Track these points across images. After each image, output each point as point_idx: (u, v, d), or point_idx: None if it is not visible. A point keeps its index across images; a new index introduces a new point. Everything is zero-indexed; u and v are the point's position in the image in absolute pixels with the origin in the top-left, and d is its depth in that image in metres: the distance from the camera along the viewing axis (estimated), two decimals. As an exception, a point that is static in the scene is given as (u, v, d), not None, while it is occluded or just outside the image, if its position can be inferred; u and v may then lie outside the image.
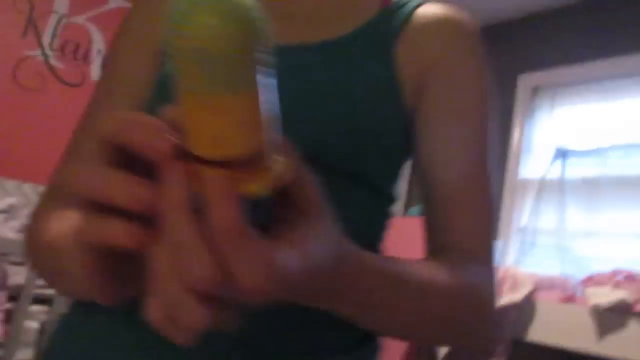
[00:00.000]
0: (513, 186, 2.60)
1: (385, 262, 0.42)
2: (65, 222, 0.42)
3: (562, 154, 2.34)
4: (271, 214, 0.31)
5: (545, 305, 1.52)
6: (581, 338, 1.40)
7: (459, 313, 0.46)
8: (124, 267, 0.30)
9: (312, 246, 0.30)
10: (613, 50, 2.42)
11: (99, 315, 0.46)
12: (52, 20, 2.62)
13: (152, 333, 0.29)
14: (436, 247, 0.53)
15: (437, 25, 0.55)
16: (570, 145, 2.36)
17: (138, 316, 0.32)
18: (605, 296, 1.34)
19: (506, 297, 1.53)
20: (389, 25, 0.54)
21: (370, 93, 0.50)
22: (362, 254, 0.39)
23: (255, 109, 0.25)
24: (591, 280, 1.47)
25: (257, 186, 0.25)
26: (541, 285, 1.59)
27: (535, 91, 2.71)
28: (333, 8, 0.56)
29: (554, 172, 2.35)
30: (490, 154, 0.54)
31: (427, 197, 0.54)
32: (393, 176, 0.54)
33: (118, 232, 0.26)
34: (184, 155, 0.25)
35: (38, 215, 0.50)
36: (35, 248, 0.49)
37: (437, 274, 0.45)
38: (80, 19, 2.71)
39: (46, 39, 2.61)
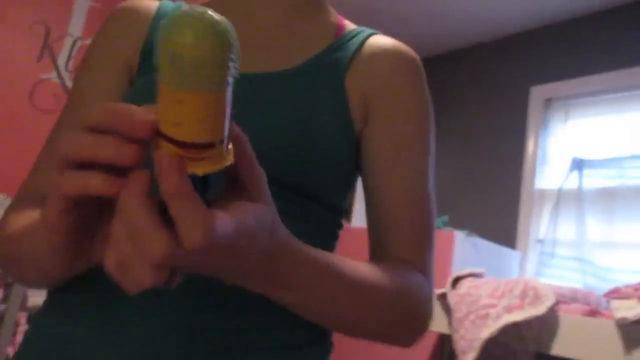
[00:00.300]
0: (530, 198, 2.59)
1: (320, 254, 0.46)
2: (29, 217, 0.48)
3: (578, 164, 2.33)
4: (222, 195, 0.37)
5: (569, 319, 1.50)
6: (607, 352, 1.38)
7: (386, 312, 0.51)
8: (79, 237, 0.37)
9: (248, 216, 0.35)
10: (625, 62, 2.42)
11: (64, 314, 0.50)
12: (67, 42, 2.66)
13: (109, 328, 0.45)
14: (378, 258, 0.58)
15: (383, 55, 0.61)
16: (586, 155, 2.35)
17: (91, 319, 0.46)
18: (632, 309, 1.32)
19: (528, 310, 1.52)
20: (341, 54, 0.60)
21: (322, 117, 0.55)
22: (299, 244, 0.43)
23: (217, 107, 0.30)
24: (616, 293, 1.45)
25: (204, 168, 0.31)
26: (563, 298, 1.58)
27: (548, 103, 2.71)
28: (292, 39, 0.61)
29: (571, 182, 2.34)
30: (428, 175, 0.60)
31: (370, 213, 0.60)
32: (343, 192, 0.59)
33: (99, 182, 0.32)
34: (156, 132, 0.32)
35: (5, 216, 0.54)
36: (1, 240, 0.52)
37: (371, 273, 0.50)
38: (94, 41, 2.75)
39: (61, 62, 2.64)
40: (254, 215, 0.36)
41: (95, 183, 0.33)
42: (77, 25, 2.70)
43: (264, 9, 0.62)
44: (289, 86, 0.56)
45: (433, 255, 0.59)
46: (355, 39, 0.62)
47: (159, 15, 0.63)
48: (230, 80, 0.30)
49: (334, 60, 0.60)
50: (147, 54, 0.61)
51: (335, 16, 0.66)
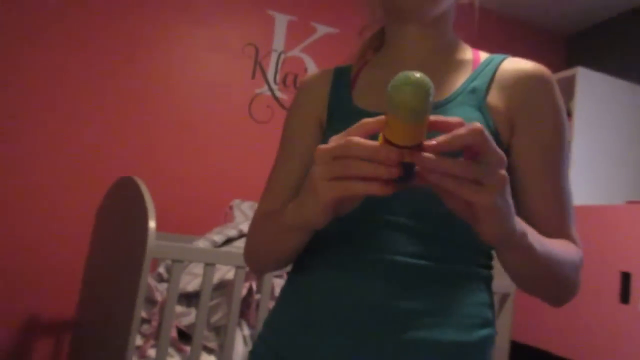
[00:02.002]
0: None
1: (530, 228, 0.62)
2: (269, 223, 0.74)
3: None
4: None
5: None
6: None
7: (568, 273, 0.69)
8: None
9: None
10: None
11: (309, 276, 0.74)
12: (273, 57, 2.96)
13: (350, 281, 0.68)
14: None
15: (517, 76, 0.74)
16: None
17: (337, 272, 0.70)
18: None
19: None
20: (481, 82, 0.74)
21: None
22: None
23: (424, 126, 0.49)
24: None
25: (412, 158, 0.49)
26: None
27: None
28: (437, 75, 0.76)
29: None
30: (567, 170, 0.75)
31: (523, 207, 0.74)
32: None
33: (376, 188, 0.50)
34: (388, 142, 0.50)
35: (256, 217, 0.82)
36: (253, 231, 0.80)
37: (559, 245, 0.68)
38: (295, 52, 3.01)
39: (270, 75, 2.95)
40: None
41: (373, 189, 0.50)
42: (279, 40, 2.98)
43: (414, 54, 0.80)
44: (447, 112, 0.70)
45: (576, 230, 0.77)
46: (489, 67, 0.76)
47: (335, 79, 0.84)
48: (428, 112, 0.48)
49: (475, 88, 0.73)
50: (331, 110, 0.81)
51: (470, 50, 0.81)
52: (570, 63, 3.58)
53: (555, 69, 3.46)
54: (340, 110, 0.80)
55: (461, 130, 0.48)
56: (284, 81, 2.97)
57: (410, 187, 0.52)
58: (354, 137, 0.51)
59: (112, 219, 1.87)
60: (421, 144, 0.49)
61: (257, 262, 0.79)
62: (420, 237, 0.68)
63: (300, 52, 3.02)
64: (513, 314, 2.15)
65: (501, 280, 2.10)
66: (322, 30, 3.08)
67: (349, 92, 0.81)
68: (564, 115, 0.75)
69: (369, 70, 0.84)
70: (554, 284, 0.68)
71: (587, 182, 2.77)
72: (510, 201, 0.53)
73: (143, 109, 2.66)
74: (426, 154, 0.48)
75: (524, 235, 0.57)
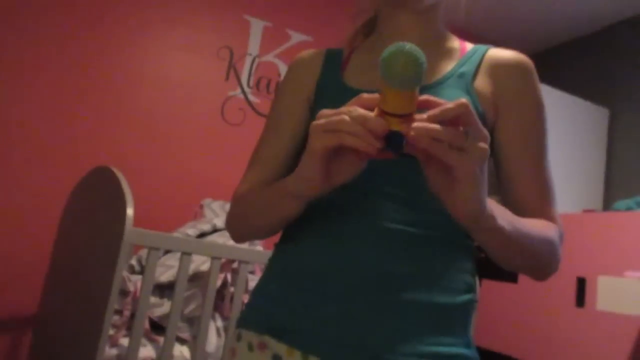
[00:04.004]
0: None
1: (504, 209, 0.66)
2: (259, 190, 0.79)
3: None
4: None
5: None
6: None
7: (544, 251, 0.71)
8: (326, 165, 0.59)
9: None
10: None
11: (295, 245, 0.76)
12: (247, 61, 2.99)
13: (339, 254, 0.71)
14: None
15: (501, 64, 0.80)
16: None
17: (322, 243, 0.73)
18: None
19: None
20: (468, 67, 0.79)
21: None
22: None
23: (415, 96, 0.53)
24: None
25: (400, 128, 0.54)
26: None
27: None
28: (433, 61, 0.81)
29: None
30: (547, 152, 0.80)
31: (505, 186, 0.79)
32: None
33: (369, 147, 0.54)
34: (380, 109, 0.55)
35: (235, 194, 0.84)
36: (238, 201, 0.82)
37: (534, 225, 0.70)
38: (269, 57, 3.05)
39: (244, 79, 2.98)
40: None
41: (365, 144, 0.54)
42: (254, 45, 3.02)
43: (404, 40, 0.83)
44: (437, 94, 0.75)
45: (557, 210, 0.80)
46: (476, 55, 0.81)
47: (327, 59, 0.88)
48: (419, 83, 0.52)
49: (463, 73, 0.78)
50: (320, 88, 0.84)
51: (457, 40, 0.86)
52: (530, 81, 3.76)
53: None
54: (330, 88, 0.83)
55: (449, 104, 0.53)
56: (257, 85, 3.00)
57: (397, 156, 0.56)
58: (352, 106, 0.56)
59: (85, 208, 1.85)
60: (412, 114, 0.54)
61: (242, 228, 0.80)
62: (408, 205, 0.72)
63: (274, 58, 3.07)
64: (476, 316, 2.23)
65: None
66: (296, 37, 3.13)
67: (340, 72, 0.84)
68: (543, 100, 0.80)
69: (359, 53, 0.87)
70: (530, 262, 0.71)
71: (546, 192, 2.90)
72: (486, 178, 0.56)
73: (114, 107, 2.64)
74: (417, 122, 0.53)
75: (493, 217, 0.60)
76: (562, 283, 2.32)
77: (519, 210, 0.77)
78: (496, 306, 2.60)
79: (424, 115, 0.53)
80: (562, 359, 2.24)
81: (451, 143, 0.52)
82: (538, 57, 3.80)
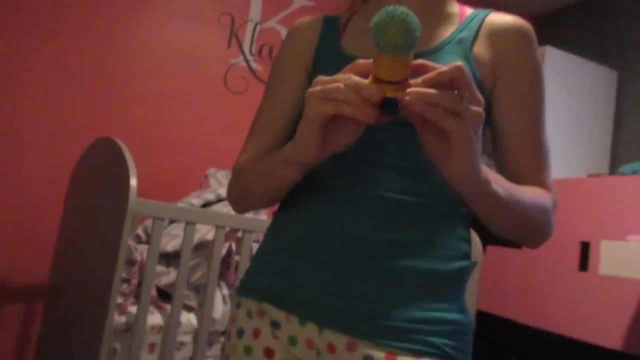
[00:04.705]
0: None
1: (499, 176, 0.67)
2: (259, 159, 0.80)
3: None
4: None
5: None
6: None
7: (537, 217, 0.72)
8: (322, 132, 0.60)
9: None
10: None
11: (290, 218, 0.77)
12: (249, 28, 2.95)
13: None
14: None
15: (500, 30, 0.78)
16: None
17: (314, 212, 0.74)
18: None
19: None
20: (467, 34, 0.78)
21: None
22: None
23: (409, 62, 0.53)
24: None
25: (395, 94, 0.53)
26: None
27: None
28: (431, 26, 0.80)
29: None
30: (544, 119, 0.79)
31: (501, 155, 0.79)
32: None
33: (365, 115, 0.54)
34: (374, 77, 0.54)
35: (234, 166, 0.84)
36: (238, 172, 0.82)
37: (526, 192, 0.71)
38: (271, 23, 3.01)
39: (246, 46, 2.95)
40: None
41: (361, 112, 0.55)
42: (255, 11, 2.97)
43: (403, 4, 0.81)
44: (435, 60, 0.73)
45: (551, 177, 0.80)
46: (475, 20, 0.80)
47: (324, 26, 0.87)
48: (412, 48, 0.51)
49: (462, 39, 0.77)
50: (318, 55, 0.84)
51: (457, 5, 0.85)
52: (538, 42, 3.69)
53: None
54: (328, 54, 0.82)
55: (444, 68, 0.53)
56: (259, 52, 2.97)
57: (394, 119, 0.57)
58: (347, 73, 0.56)
59: (89, 179, 1.87)
60: (407, 79, 0.53)
61: (244, 198, 0.81)
62: (405, 174, 0.72)
63: (276, 24, 3.02)
64: (479, 283, 2.25)
65: (470, 247, 2.18)
66: (298, 2, 3.08)
67: (337, 38, 0.84)
68: (542, 67, 0.79)
69: (357, 19, 0.87)
70: (523, 228, 0.72)
71: (552, 156, 2.89)
72: (480, 143, 0.56)
73: (116, 77, 2.63)
74: (412, 88, 0.53)
75: (487, 181, 0.61)
76: (566, 247, 2.33)
77: (514, 177, 0.77)
78: (500, 271, 2.62)
79: (419, 80, 0.53)
80: (566, 324, 2.27)
81: (446, 107, 0.52)
82: (545, 19, 3.71)
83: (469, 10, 0.83)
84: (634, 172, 2.38)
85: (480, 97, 0.54)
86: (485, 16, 0.81)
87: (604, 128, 3.06)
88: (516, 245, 2.56)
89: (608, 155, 3.06)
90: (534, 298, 2.43)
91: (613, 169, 3.04)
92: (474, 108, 0.53)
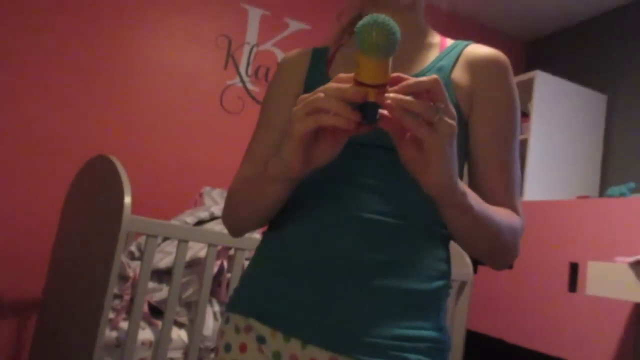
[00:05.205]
0: None
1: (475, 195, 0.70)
2: (249, 180, 0.81)
3: None
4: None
5: None
6: None
7: (507, 236, 0.75)
8: (306, 148, 0.63)
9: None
10: None
11: (281, 236, 0.80)
12: (246, 50, 3.02)
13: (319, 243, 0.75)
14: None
15: (478, 61, 0.83)
16: None
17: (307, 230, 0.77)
18: None
19: None
20: (447, 62, 0.83)
21: None
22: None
23: (387, 66, 0.56)
24: None
25: (375, 98, 0.57)
26: None
27: None
28: (407, 54, 0.84)
29: None
30: (516, 147, 0.83)
31: (475, 180, 0.82)
32: (461, 171, 0.76)
33: (346, 121, 0.57)
34: (356, 81, 0.57)
35: (232, 186, 0.86)
36: (230, 196, 0.84)
37: (498, 212, 0.74)
38: (267, 45, 3.07)
39: (242, 68, 3.00)
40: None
41: (344, 122, 0.58)
42: (252, 33, 3.04)
43: None
44: None
45: (520, 202, 0.84)
46: (455, 50, 0.84)
47: (313, 58, 0.91)
48: (392, 52, 0.55)
49: (442, 67, 0.82)
50: (308, 85, 0.87)
51: (438, 36, 0.90)
52: (529, 67, 3.77)
53: (514, 71, 3.63)
54: (316, 84, 0.86)
55: (423, 78, 0.57)
56: (255, 74, 3.03)
57: (373, 128, 0.60)
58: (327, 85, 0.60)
59: (85, 196, 1.89)
60: (386, 85, 0.57)
61: (237, 220, 0.84)
62: (386, 196, 0.76)
63: (272, 46, 3.09)
64: (470, 302, 2.27)
65: (459, 269, 2.21)
66: (294, 26, 3.15)
67: (326, 69, 0.88)
68: (517, 96, 0.84)
69: (344, 51, 0.91)
70: (494, 246, 0.74)
71: (542, 178, 2.93)
72: (456, 155, 0.59)
73: (113, 96, 2.68)
74: (391, 93, 0.56)
75: (464, 194, 0.64)
76: (555, 268, 2.36)
77: (486, 201, 0.80)
78: (490, 291, 2.64)
79: (397, 87, 0.57)
80: (555, 344, 2.28)
81: (422, 115, 0.55)
82: (535, 44, 3.80)
83: (449, 41, 0.88)
84: (621, 195, 2.42)
85: (454, 111, 0.58)
86: (465, 47, 0.85)
87: (593, 151, 3.11)
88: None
89: (597, 178, 3.11)
90: (523, 318, 2.45)
91: (602, 191, 3.08)
92: (448, 120, 0.56)
